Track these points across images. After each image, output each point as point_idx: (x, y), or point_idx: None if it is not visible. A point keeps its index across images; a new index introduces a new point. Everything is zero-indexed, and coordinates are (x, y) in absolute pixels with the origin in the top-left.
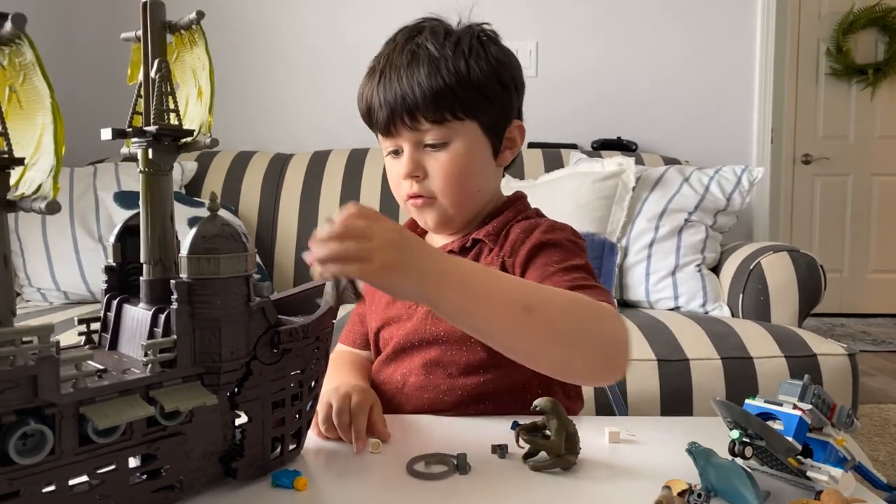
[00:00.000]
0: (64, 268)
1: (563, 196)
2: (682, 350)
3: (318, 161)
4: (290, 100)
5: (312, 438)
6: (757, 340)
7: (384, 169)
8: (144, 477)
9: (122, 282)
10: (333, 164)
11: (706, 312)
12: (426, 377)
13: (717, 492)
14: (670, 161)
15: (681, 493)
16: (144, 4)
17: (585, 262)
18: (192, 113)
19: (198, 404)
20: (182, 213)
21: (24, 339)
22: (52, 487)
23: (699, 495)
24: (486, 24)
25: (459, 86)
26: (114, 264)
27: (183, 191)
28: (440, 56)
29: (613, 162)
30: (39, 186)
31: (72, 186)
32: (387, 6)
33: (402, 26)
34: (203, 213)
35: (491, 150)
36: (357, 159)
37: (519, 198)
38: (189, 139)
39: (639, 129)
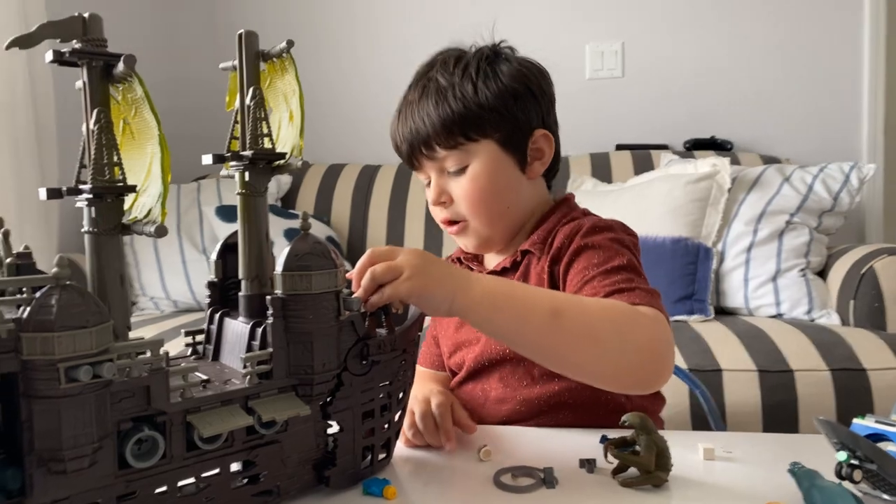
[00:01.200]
0: (173, 278)
1: (653, 199)
2: (785, 360)
3: (405, 172)
4: (378, 113)
5: (401, 448)
6: (871, 350)
7: None
8: (245, 482)
9: (223, 296)
10: (384, 176)
11: (812, 320)
12: (504, 390)
13: None
14: (770, 160)
15: None
16: (240, 35)
17: (628, 260)
18: (284, 136)
19: (292, 414)
20: (278, 225)
21: (139, 352)
22: (163, 489)
23: None
24: (503, 41)
25: (466, 109)
26: (215, 280)
27: (279, 203)
28: (448, 84)
29: (707, 163)
30: (150, 211)
31: (178, 202)
32: (452, 25)
33: (423, 62)
34: (297, 224)
35: (515, 164)
36: None
37: (565, 200)
38: (282, 162)
39: (734, 127)
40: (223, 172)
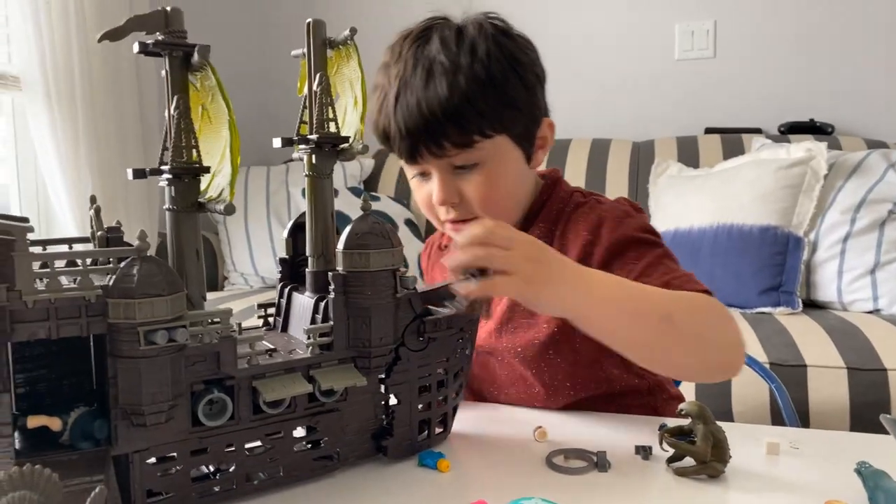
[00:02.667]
0: (262, 256)
1: (740, 185)
2: (878, 358)
3: None
4: None
5: (459, 426)
6: None
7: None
8: (308, 446)
9: (293, 272)
10: None
11: None
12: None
13: None
14: (875, 144)
15: None
16: (308, 24)
17: (664, 246)
18: (349, 120)
19: (349, 384)
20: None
21: (211, 320)
22: (231, 448)
23: None
24: (492, 13)
25: (484, 101)
26: (286, 257)
27: (361, 186)
28: (456, 68)
29: (801, 147)
30: (222, 191)
31: (268, 183)
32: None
33: (406, 32)
34: (377, 206)
35: (524, 157)
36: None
37: (555, 182)
38: (345, 145)
39: (835, 109)
40: (294, 155)
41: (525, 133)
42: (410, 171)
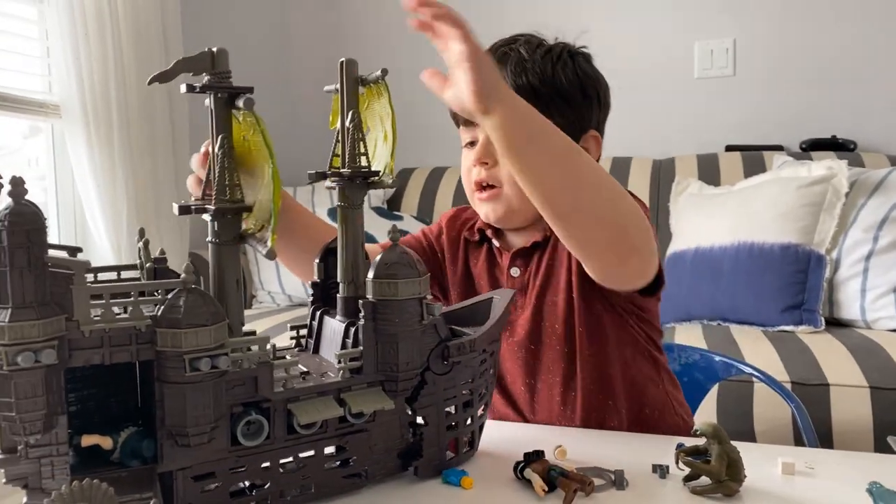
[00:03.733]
0: (288, 275)
1: (761, 204)
2: None
3: None
4: None
5: (484, 444)
6: None
7: None
8: (337, 464)
9: (324, 295)
10: None
11: None
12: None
13: None
14: None
15: None
16: (341, 63)
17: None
18: (379, 154)
19: (378, 408)
20: (383, 225)
21: (249, 346)
22: (267, 464)
23: None
24: (583, 46)
25: (542, 85)
26: (318, 280)
27: (384, 206)
28: (529, 59)
29: (822, 165)
30: (263, 227)
31: None
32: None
33: (500, 38)
34: (400, 225)
35: None
36: None
37: None
38: (376, 178)
39: (858, 125)
40: (326, 184)
41: (568, 130)
42: (464, 138)
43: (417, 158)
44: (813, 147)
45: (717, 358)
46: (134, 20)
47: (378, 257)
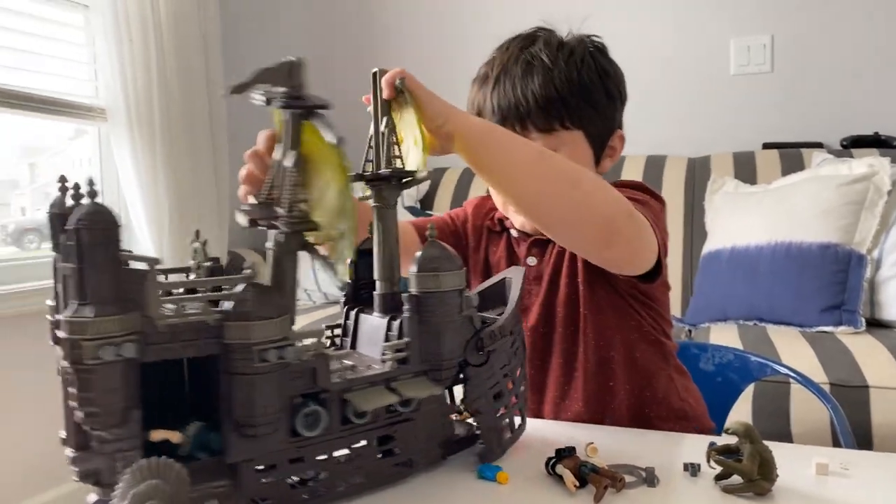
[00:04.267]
0: (324, 273)
1: (800, 202)
2: None
3: None
4: None
5: (519, 440)
6: None
7: None
8: (384, 454)
9: (356, 294)
10: None
11: None
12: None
13: None
14: None
15: None
16: (374, 74)
17: (647, 204)
18: (412, 157)
19: (427, 394)
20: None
21: (307, 339)
22: (323, 456)
23: None
24: (596, 36)
25: (571, 95)
26: (349, 281)
27: (418, 205)
28: (553, 66)
29: (863, 163)
30: (337, 260)
31: None
32: (596, 23)
33: (515, 35)
34: None
35: (593, 158)
36: None
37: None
38: (410, 178)
39: None
40: (358, 194)
41: (598, 135)
42: None
43: (450, 159)
44: (854, 144)
45: (753, 358)
46: (175, 26)
47: (420, 253)
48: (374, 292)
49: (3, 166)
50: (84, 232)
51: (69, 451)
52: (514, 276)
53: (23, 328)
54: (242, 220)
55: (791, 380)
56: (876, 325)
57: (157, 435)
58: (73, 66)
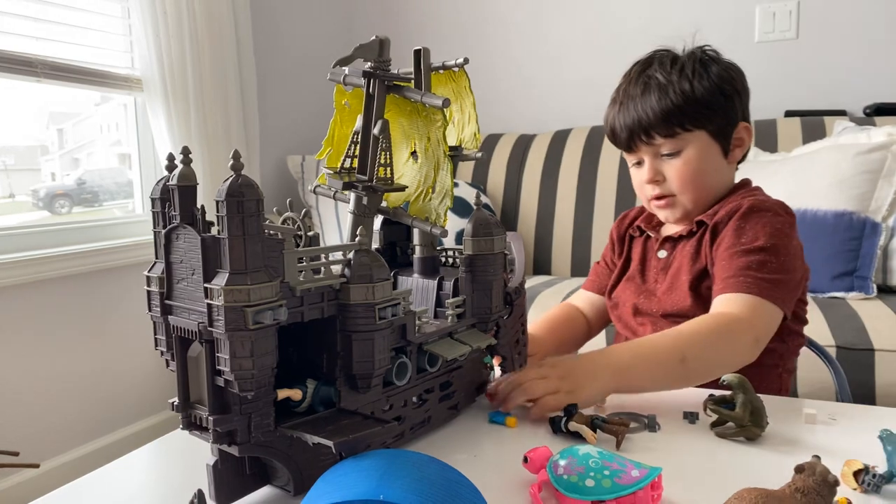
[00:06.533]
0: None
1: (817, 171)
2: None
3: (559, 140)
4: (532, 86)
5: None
6: None
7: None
8: (442, 399)
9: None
10: (573, 144)
11: None
12: None
13: None
14: None
15: (856, 472)
16: (416, 51)
17: (772, 244)
18: (467, 132)
19: (486, 343)
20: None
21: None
22: (403, 402)
23: (874, 476)
24: (708, 45)
25: (686, 104)
26: (379, 247)
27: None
28: (667, 82)
29: (883, 131)
30: (437, 215)
31: None
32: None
33: (637, 60)
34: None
35: (721, 151)
36: (596, 137)
37: (743, 185)
38: (464, 152)
39: None
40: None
41: (720, 131)
42: (630, 161)
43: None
44: (877, 112)
45: None
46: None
47: (470, 220)
48: (415, 256)
49: (32, 132)
50: (241, 203)
51: (206, 414)
52: (514, 241)
53: (60, 290)
54: (336, 183)
55: None
56: (888, 291)
57: (283, 394)
58: (110, 38)
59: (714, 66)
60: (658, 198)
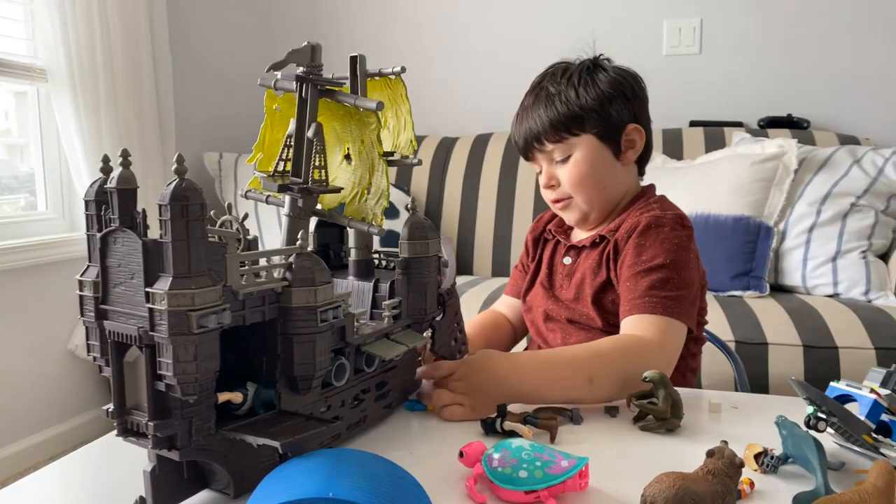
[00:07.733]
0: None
1: (718, 178)
2: (831, 337)
3: (480, 144)
4: (455, 89)
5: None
6: None
7: None
8: (377, 398)
9: None
10: (494, 147)
11: (869, 301)
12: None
13: (793, 458)
14: (847, 140)
15: (756, 455)
16: (352, 58)
17: (671, 260)
18: (403, 138)
19: (422, 343)
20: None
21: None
22: (341, 403)
23: (772, 458)
24: (602, 55)
25: (570, 110)
26: (315, 249)
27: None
28: (556, 92)
29: (775, 143)
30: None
31: None
32: (540, 6)
33: (540, 73)
34: None
35: (611, 153)
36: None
37: (645, 191)
38: (396, 157)
39: (812, 104)
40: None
41: (607, 133)
42: (535, 169)
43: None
44: (770, 124)
45: None
46: None
47: (406, 224)
48: (350, 259)
49: None
50: (185, 207)
51: (145, 420)
52: (445, 245)
53: None
54: (272, 186)
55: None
56: (779, 289)
57: (224, 397)
58: (8, 24)
59: (602, 73)
60: (556, 201)
